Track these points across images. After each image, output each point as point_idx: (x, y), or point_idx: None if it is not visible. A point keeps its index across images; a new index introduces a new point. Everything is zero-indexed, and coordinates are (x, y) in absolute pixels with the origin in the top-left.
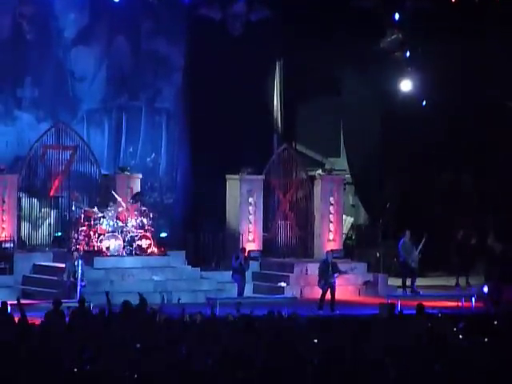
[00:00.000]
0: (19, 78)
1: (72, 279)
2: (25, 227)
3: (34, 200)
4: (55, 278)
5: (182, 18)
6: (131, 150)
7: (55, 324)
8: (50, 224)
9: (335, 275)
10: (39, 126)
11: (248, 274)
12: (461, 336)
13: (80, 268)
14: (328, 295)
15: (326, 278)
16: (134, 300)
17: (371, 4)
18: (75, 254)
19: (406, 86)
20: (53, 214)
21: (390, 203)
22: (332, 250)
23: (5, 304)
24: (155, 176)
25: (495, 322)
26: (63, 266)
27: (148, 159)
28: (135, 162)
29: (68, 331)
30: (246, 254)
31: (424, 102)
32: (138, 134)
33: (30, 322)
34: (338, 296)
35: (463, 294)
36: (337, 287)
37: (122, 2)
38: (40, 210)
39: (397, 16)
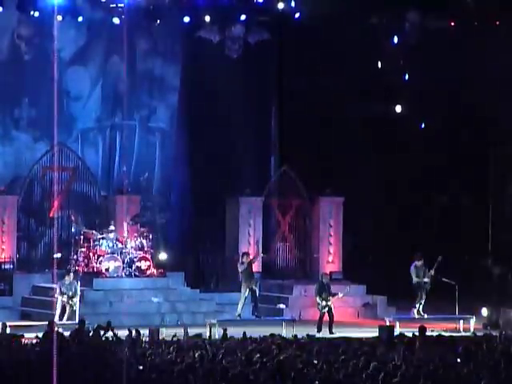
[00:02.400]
0: (17, 98)
1: (64, 299)
2: (24, 248)
3: (34, 221)
4: (52, 299)
5: (178, 38)
6: (125, 169)
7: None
8: (48, 245)
9: (330, 298)
10: (36, 145)
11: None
12: (459, 359)
13: (78, 289)
14: (326, 317)
15: (325, 300)
16: (133, 321)
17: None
18: (67, 277)
19: (399, 108)
20: (52, 235)
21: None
22: (331, 272)
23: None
24: (148, 195)
25: (494, 345)
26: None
27: (141, 178)
28: (129, 181)
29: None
30: (251, 257)
31: (423, 125)
32: (132, 153)
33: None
34: (336, 318)
35: (463, 316)
36: (335, 309)
37: (121, 24)
38: (39, 232)
39: (395, 39)
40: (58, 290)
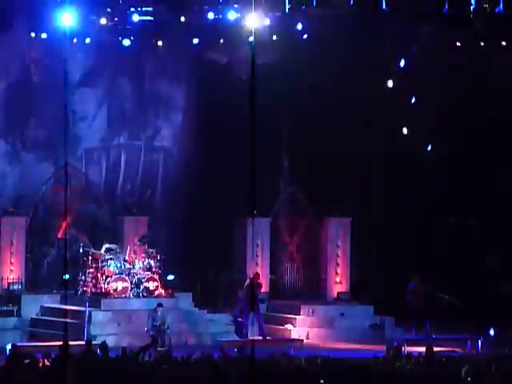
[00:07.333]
0: (25, 119)
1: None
2: (32, 269)
3: (42, 242)
4: (62, 320)
5: (186, 60)
6: (129, 187)
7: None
8: (56, 266)
9: None
10: (41, 165)
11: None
12: (469, 379)
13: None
14: None
15: None
16: (142, 342)
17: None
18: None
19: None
20: (60, 255)
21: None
22: (339, 293)
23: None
24: (150, 213)
25: (503, 365)
26: (72, 308)
27: (143, 196)
28: (133, 199)
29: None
30: (259, 280)
31: (429, 147)
32: (137, 173)
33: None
34: (344, 338)
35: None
36: (343, 329)
37: (129, 45)
38: (47, 252)
39: (402, 62)
40: (150, 326)
